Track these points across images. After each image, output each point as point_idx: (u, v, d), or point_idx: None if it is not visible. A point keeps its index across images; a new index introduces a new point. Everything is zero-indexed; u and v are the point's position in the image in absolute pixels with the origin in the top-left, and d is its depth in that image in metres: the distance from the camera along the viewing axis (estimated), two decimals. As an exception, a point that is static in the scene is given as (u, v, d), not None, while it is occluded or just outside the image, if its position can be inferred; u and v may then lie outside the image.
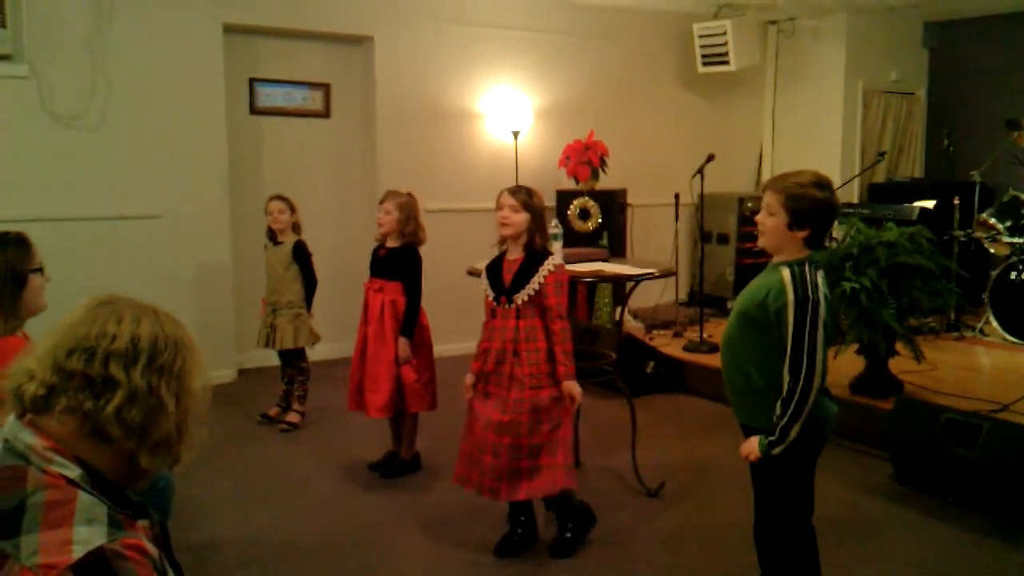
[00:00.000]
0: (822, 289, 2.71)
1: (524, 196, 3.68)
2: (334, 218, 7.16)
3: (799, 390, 2.67)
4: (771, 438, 2.73)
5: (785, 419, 2.70)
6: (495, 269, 3.76)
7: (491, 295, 3.74)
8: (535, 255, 3.67)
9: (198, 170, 6.39)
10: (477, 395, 3.78)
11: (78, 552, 1.31)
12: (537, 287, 3.61)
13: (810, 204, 2.73)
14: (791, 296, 2.68)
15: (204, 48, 6.37)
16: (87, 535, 1.33)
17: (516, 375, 3.64)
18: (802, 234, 2.75)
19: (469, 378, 3.82)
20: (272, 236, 5.51)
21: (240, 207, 6.61)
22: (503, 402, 3.66)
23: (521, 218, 3.66)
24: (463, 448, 3.84)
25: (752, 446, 2.80)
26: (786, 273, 2.73)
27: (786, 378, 2.70)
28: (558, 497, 3.80)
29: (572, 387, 3.61)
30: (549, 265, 3.64)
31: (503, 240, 3.76)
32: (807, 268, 2.73)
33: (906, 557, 3.81)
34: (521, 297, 3.63)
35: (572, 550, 3.82)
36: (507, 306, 3.68)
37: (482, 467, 3.70)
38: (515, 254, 3.72)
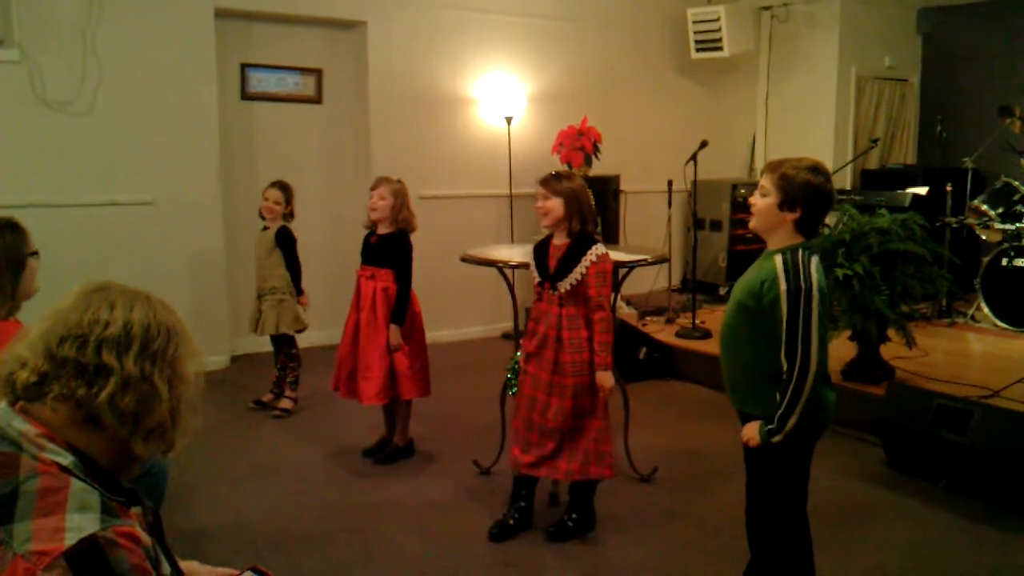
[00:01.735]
0: (815, 277, 2.68)
1: (554, 182, 3.68)
2: (326, 204, 7.14)
3: (794, 379, 2.66)
4: (770, 427, 2.73)
5: (782, 408, 2.69)
6: (542, 251, 3.76)
7: (537, 278, 3.76)
8: (581, 241, 3.65)
9: (190, 156, 6.36)
10: (525, 374, 3.82)
11: (70, 539, 1.31)
12: (580, 276, 3.61)
13: (802, 186, 2.71)
14: (783, 286, 2.66)
15: (195, 33, 6.33)
16: (80, 522, 1.33)
17: (560, 361, 3.66)
18: (792, 216, 2.73)
19: (520, 356, 3.87)
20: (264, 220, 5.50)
21: (232, 193, 6.59)
22: (546, 385, 3.69)
23: (555, 203, 3.65)
24: (515, 426, 3.91)
25: (752, 432, 2.80)
26: (778, 261, 2.71)
27: (783, 367, 2.69)
28: (585, 488, 3.86)
29: (603, 377, 3.62)
30: (592, 255, 3.61)
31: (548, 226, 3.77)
32: (800, 255, 2.71)
33: (898, 542, 3.83)
34: (564, 285, 3.63)
35: (568, 538, 3.83)
36: (551, 292, 3.69)
37: (537, 451, 3.76)
38: (561, 239, 3.71)
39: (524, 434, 3.81)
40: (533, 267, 3.80)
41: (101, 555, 1.32)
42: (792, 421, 2.70)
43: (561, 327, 3.66)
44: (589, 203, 3.70)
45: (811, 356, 2.65)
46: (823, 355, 2.71)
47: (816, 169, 2.76)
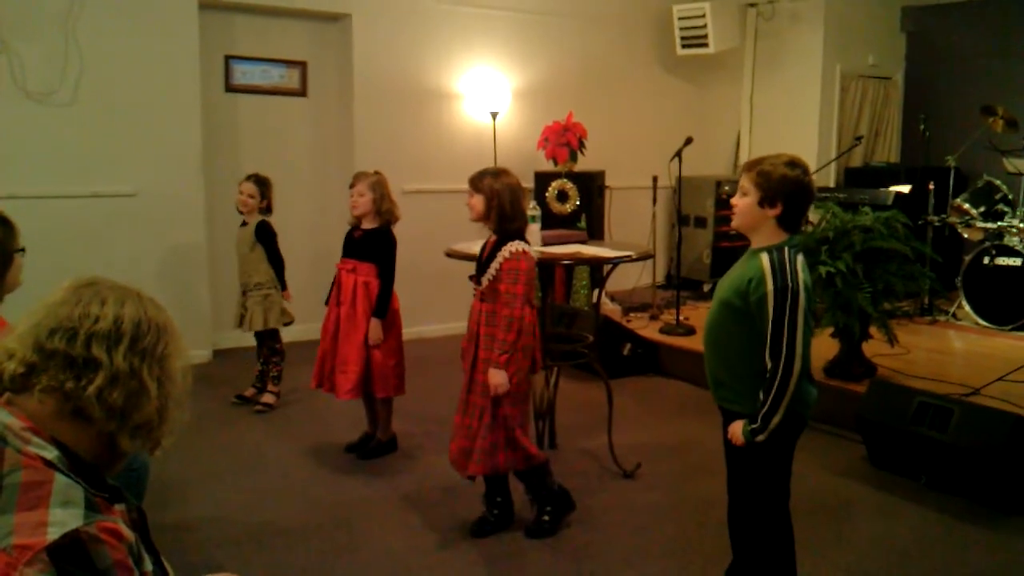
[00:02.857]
0: (802, 276, 2.69)
1: (476, 179, 3.70)
2: (311, 198, 7.11)
3: (779, 378, 2.67)
4: (754, 426, 2.74)
5: (766, 407, 2.70)
6: (482, 249, 3.79)
7: (471, 273, 3.80)
8: (505, 238, 3.66)
9: (173, 148, 6.32)
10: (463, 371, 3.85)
11: (53, 534, 1.30)
12: (494, 272, 3.62)
13: (780, 181, 2.73)
14: (770, 286, 2.67)
15: (179, 24, 6.28)
16: (63, 517, 1.32)
17: (476, 357, 3.68)
18: (773, 212, 2.74)
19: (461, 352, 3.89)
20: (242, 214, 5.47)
21: (215, 186, 6.54)
22: (467, 381, 3.74)
23: (476, 200, 3.68)
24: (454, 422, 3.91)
25: (737, 431, 2.81)
26: (765, 260, 2.72)
27: (768, 366, 2.70)
28: (530, 481, 3.85)
29: (492, 375, 3.58)
30: (505, 251, 3.60)
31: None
32: (786, 253, 2.72)
33: (879, 539, 3.85)
34: (484, 280, 3.66)
35: (549, 533, 3.83)
36: (477, 287, 3.72)
37: (457, 441, 3.78)
38: (492, 235, 3.73)
39: (455, 428, 3.83)
40: (476, 263, 3.83)
41: (84, 550, 1.31)
42: (776, 420, 2.71)
43: (480, 323, 3.68)
44: (511, 201, 3.66)
45: (796, 355, 2.66)
46: (807, 353, 2.72)
47: (793, 164, 2.77)
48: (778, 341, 2.67)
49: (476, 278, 3.73)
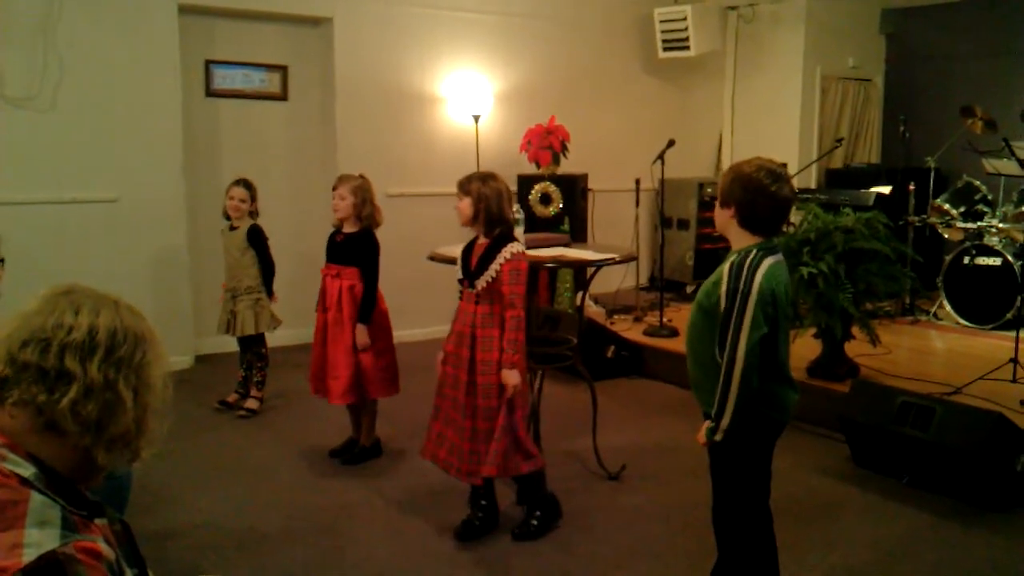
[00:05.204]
0: (758, 279, 2.69)
1: (464, 182, 3.74)
2: (292, 202, 7.09)
3: (722, 377, 2.72)
4: (711, 424, 2.79)
5: (716, 405, 2.76)
6: (467, 251, 3.79)
7: (459, 276, 3.78)
8: (500, 240, 3.67)
9: (154, 153, 6.29)
10: (444, 375, 3.81)
11: (29, 555, 1.27)
12: (494, 274, 3.63)
13: (732, 181, 2.77)
14: (723, 287, 2.74)
15: (159, 29, 6.25)
16: (39, 538, 1.29)
17: (475, 359, 3.67)
18: (729, 213, 2.79)
19: (440, 356, 3.86)
20: (229, 219, 5.45)
21: (197, 190, 6.52)
22: (463, 384, 3.69)
23: (464, 204, 3.71)
24: (431, 426, 3.87)
25: (701, 431, 2.86)
26: (727, 263, 2.78)
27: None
28: (527, 484, 3.85)
29: (506, 375, 3.61)
30: (506, 252, 3.63)
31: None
32: (751, 257, 2.73)
33: (862, 538, 3.87)
34: (480, 283, 3.65)
35: (536, 536, 3.83)
36: (470, 290, 3.70)
37: (450, 446, 3.75)
38: (482, 238, 3.74)
39: (443, 431, 3.80)
40: (459, 265, 3.82)
41: (61, 572, 1.28)
42: (726, 418, 2.73)
43: (476, 325, 3.69)
44: (499, 204, 3.70)
45: (737, 354, 2.69)
46: (782, 357, 2.76)
47: (756, 165, 2.79)
48: (723, 341, 2.72)
49: (468, 281, 3.72)
